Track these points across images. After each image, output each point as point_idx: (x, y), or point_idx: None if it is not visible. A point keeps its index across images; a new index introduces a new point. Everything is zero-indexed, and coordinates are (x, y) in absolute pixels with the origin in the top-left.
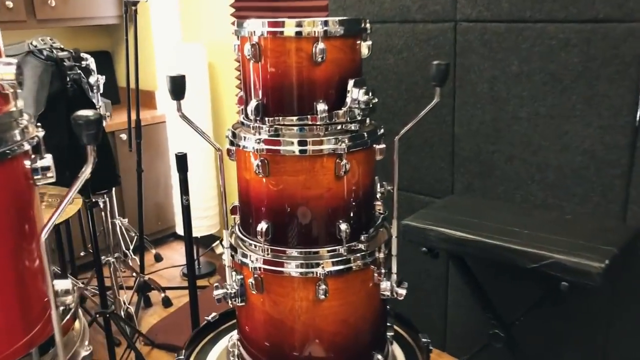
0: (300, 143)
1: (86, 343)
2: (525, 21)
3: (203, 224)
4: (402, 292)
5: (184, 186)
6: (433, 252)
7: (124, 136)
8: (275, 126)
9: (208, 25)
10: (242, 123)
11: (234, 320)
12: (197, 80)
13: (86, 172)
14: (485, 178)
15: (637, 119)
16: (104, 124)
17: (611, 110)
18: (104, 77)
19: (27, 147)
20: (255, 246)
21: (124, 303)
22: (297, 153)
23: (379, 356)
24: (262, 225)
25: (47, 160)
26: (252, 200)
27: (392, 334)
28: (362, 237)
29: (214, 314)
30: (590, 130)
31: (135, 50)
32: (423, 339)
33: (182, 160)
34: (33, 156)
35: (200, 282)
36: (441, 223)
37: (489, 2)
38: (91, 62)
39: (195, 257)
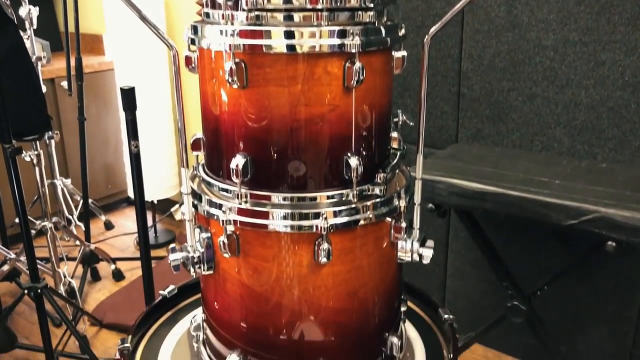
0: (292, 35)
1: None
2: None
3: (159, 186)
4: (428, 253)
5: (132, 128)
6: (441, 209)
7: (65, 84)
8: (255, 12)
9: None
10: (208, 15)
11: (198, 295)
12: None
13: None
14: (498, 122)
15: None
16: (39, 66)
17: None
18: (37, 8)
19: None
20: (228, 191)
21: (64, 276)
22: (291, 51)
23: (394, 339)
24: (238, 161)
25: None
26: (223, 126)
27: (404, 309)
28: (378, 178)
29: (171, 286)
30: (633, 58)
31: None
32: (445, 315)
33: (129, 96)
34: None
35: (157, 253)
36: (452, 174)
37: None
38: None
39: (150, 223)
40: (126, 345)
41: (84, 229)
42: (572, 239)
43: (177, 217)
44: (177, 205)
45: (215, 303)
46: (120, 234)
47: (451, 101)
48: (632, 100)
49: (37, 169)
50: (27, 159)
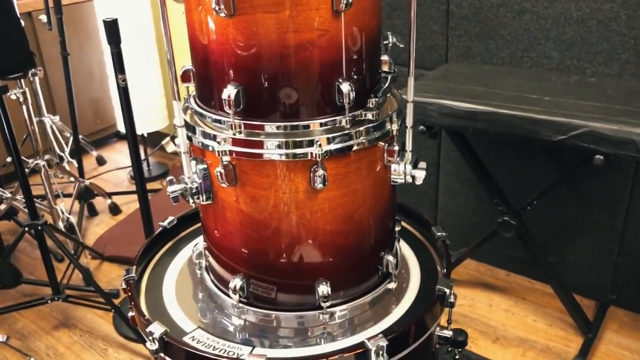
0: None
1: None
2: None
3: (149, 119)
4: (421, 174)
5: (118, 61)
6: (432, 130)
7: (43, 17)
8: None
9: None
10: None
11: (197, 225)
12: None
13: None
14: (487, 40)
15: None
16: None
17: None
18: None
19: None
20: (222, 122)
21: (62, 212)
22: None
23: (390, 257)
24: (230, 91)
25: None
26: (212, 56)
27: (399, 229)
28: (370, 103)
29: (170, 218)
30: None
31: None
32: (438, 233)
33: (112, 27)
34: None
35: (151, 186)
36: (442, 95)
37: None
38: None
39: (143, 156)
40: (131, 275)
41: (76, 165)
42: (561, 154)
43: (169, 149)
44: (167, 138)
45: (216, 231)
46: (113, 168)
47: (440, 19)
48: (622, 12)
49: (24, 107)
50: (13, 97)
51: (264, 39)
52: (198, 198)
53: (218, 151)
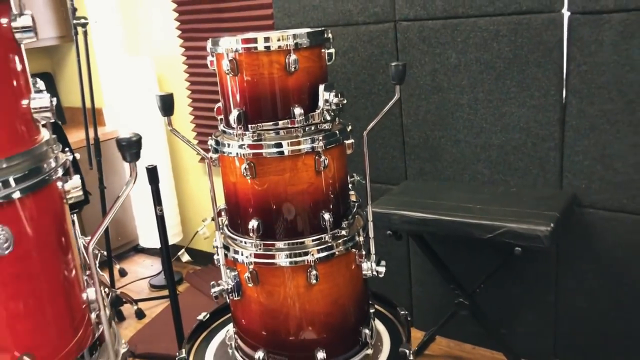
0: (282, 145)
1: (123, 341)
2: (458, 17)
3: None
4: (382, 269)
5: (157, 197)
6: (397, 234)
7: (78, 155)
8: (257, 132)
9: (152, 38)
10: (224, 131)
11: (224, 318)
12: (146, 93)
13: (129, 186)
14: (435, 162)
15: (564, 97)
16: None
17: (541, 91)
18: (55, 98)
19: (60, 172)
20: (246, 242)
21: None
22: (281, 154)
23: (367, 330)
24: (253, 223)
25: (76, 180)
26: (241, 201)
27: (373, 310)
28: (344, 224)
29: (204, 313)
30: (524, 110)
31: (88, 70)
32: (402, 312)
33: (152, 173)
34: (64, 178)
35: (164, 293)
36: (402, 207)
37: (425, 2)
38: (41, 84)
39: (160, 267)
40: (183, 355)
41: (107, 277)
42: (494, 247)
43: (184, 259)
44: (183, 250)
45: (243, 320)
46: (135, 279)
47: (398, 147)
48: (528, 140)
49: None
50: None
51: (274, 191)
52: (232, 295)
53: (246, 262)
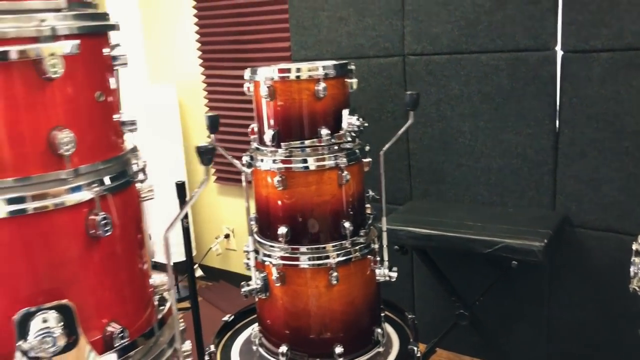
0: (310, 161)
1: (182, 322)
2: (462, 52)
3: (176, 250)
4: (394, 275)
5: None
6: (403, 249)
7: None
8: (289, 149)
9: (174, 66)
10: (257, 149)
11: (248, 319)
12: (168, 120)
13: (203, 185)
14: (438, 184)
15: (557, 126)
16: None
17: (536, 121)
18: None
19: (141, 175)
20: (274, 247)
21: None
22: (309, 169)
23: (379, 330)
24: (282, 230)
25: (149, 183)
26: (272, 210)
27: (383, 314)
28: (361, 232)
29: (228, 314)
30: (521, 137)
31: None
32: (409, 316)
33: (181, 188)
34: (141, 180)
35: (180, 305)
36: (408, 224)
37: (431, 38)
38: None
39: (175, 281)
40: (212, 350)
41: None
42: (492, 263)
43: (197, 274)
44: (196, 265)
45: (268, 320)
46: None
47: (404, 170)
48: (524, 165)
49: None
50: None
51: (301, 201)
52: (261, 294)
53: (274, 265)
